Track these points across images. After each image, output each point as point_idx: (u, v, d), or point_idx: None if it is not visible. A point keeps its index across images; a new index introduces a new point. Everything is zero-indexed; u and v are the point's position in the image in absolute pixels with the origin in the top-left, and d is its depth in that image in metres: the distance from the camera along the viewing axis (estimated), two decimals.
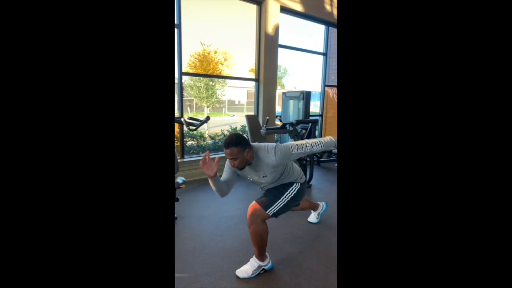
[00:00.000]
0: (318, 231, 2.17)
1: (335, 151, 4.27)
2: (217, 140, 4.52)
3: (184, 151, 3.62)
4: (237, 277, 1.60)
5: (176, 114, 3.50)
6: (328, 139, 1.63)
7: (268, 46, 3.98)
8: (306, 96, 3.66)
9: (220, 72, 4.07)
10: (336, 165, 4.39)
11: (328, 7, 4.67)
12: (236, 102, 13.94)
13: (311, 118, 3.65)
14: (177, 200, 2.48)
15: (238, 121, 4.10)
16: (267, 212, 1.58)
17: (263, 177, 1.57)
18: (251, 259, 1.64)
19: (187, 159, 3.57)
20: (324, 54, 5.06)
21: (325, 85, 5.20)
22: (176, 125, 3.40)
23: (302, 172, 1.78)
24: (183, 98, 3.56)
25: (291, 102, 3.90)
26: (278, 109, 4.62)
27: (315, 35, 5.06)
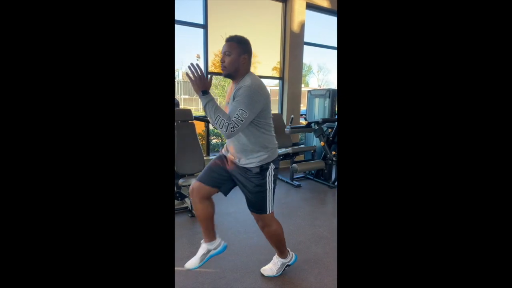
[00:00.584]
0: None
1: None
2: None
3: (209, 149, 3.69)
4: (262, 274, 1.60)
5: (202, 112, 3.58)
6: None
7: (293, 44, 3.93)
8: (332, 94, 3.57)
9: None
10: None
11: None
12: None
13: (337, 117, 3.56)
14: None
15: None
16: (267, 214, 1.40)
17: (230, 103, 1.27)
18: (274, 258, 1.61)
19: (212, 156, 3.64)
20: None
21: None
22: (202, 123, 3.47)
23: (275, 145, 1.39)
24: None
25: (317, 100, 3.82)
26: (303, 107, 4.55)
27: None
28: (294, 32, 3.91)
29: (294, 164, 3.18)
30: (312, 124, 3.33)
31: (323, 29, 4.76)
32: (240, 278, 1.57)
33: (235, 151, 1.34)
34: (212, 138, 4.41)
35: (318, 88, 5.67)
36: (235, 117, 1.15)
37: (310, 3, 3.98)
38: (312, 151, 3.66)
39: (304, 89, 4.49)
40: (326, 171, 3.39)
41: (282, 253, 1.56)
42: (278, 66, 4.14)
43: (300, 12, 3.89)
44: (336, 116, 3.59)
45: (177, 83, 7.10)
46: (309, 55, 4.65)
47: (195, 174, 2.44)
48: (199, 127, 3.49)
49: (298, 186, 3.25)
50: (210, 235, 1.47)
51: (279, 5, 3.89)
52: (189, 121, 2.60)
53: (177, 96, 6.54)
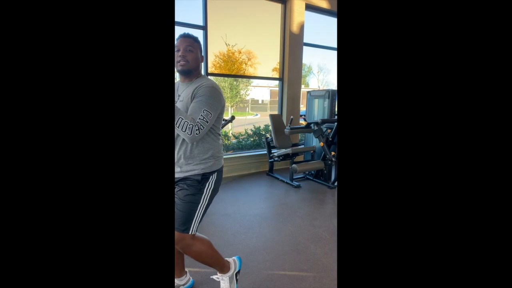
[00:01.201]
0: None
1: None
2: (241, 140, 4.57)
3: None
4: (262, 274, 1.61)
5: None
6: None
7: (292, 45, 3.94)
8: (331, 95, 3.58)
9: (244, 72, 4.10)
10: None
11: None
12: (260, 102, 13.97)
13: (336, 117, 3.57)
14: None
15: (261, 120, 4.11)
16: (189, 233, 1.19)
17: (180, 101, 1.20)
18: (218, 276, 1.39)
19: None
20: None
21: None
22: None
23: (222, 150, 1.29)
24: None
25: (316, 101, 3.83)
26: (302, 108, 4.57)
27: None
28: (294, 33, 3.92)
29: (293, 165, 3.18)
30: (312, 125, 3.34)
31: (322, 30, 4.77)
32: (239, 278, 1.58)
33: (181, 160, 1.19)
34: None
35: (318, 88, 5.68)
36: (200, 118, 1.08)
37: (309, 4, 3.99)
38: (311, 151, 3.67)
39: (304, 89, 4.50)
40: (325, 171, 3.40)
41: (222, 268, 1.36)
42: (278, 67, 4.16)
43: (299, 13, 3.90)
44: (336, 116, 3.60)
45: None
46: (309, 56, 4.67)
47: None
48: None
49: (298, 186, 3.26)
50: (180, 270, 1.44)
51: (279, 6, 3.91)
52: None
53: None
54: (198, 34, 3.35)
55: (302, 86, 4.30)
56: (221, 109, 1.19)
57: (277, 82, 4.20)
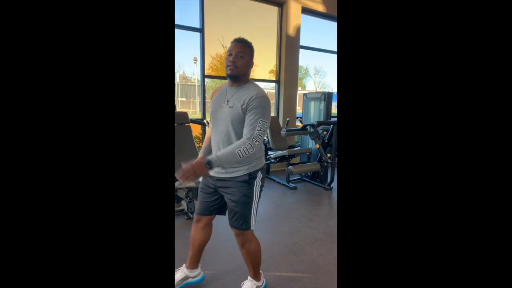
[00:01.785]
0: None
1: None
2: None
3: None
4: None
5: (199, 115, 3.61)
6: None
7: (289, 48, 3.97)
8: (327, 97, 3.61)
9: None
10: None
11: None
12: None
13: (332, 119, 3.60)
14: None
15: None
16: (250, 230, 1.33)
17: (230, 106, 1.23)
18: (247, 281, 1.44)
19: None
20: None
21: None
22: (199, 126, 3.49)
23: (263, 154, 1.36)
24: (206, 100, 3.65)
25: (312, 103, 3.86)
26: (299, 110, 4.60)
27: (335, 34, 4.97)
28: (290, 35, 3.95)
29: (290, 167, 3.20)
30: (308, 127, 3.37)
31: (318, 33, 4.82)
32: (236, 279, 1.58)
33: None
34: None
35: (315, 91, 5.71)
36: (257, 129, 1.16)
37: (305, 7, 4.03)
38: (308, 153, 3.69)
39: (301, 92, 4.53)
40: (321, 173, 3.42)
41: (256, 276, 1.43)
42: (275, 69, 4.18)
43: (295, 16, 3.94)
44: (332, 118, 3.63)
45: (175, 85, 7.11)
46: (306, 58, 4.70)
47: None
48: (196, 129, 3.50)
49: (294, 188, 3.28)
50: (194, 263, 1.50)
51: (275, 9, 3.94)
52: (186, 124, 2.62)
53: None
54: (195, 36, 3.37)
55: (299, 88, 4.32)
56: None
57: (274, 84, 4.23)
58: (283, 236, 2.12)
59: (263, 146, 1.41)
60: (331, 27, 4.66)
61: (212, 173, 1.28)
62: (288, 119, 3.58)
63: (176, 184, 2.36)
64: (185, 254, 1.76)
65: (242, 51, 1.21)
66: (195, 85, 5.00)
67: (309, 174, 3.62)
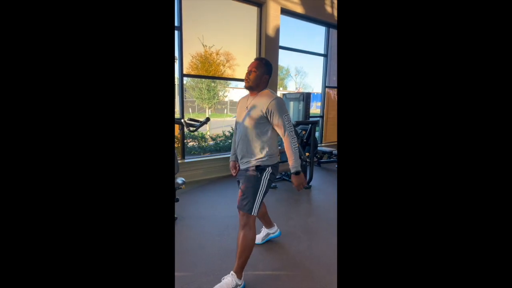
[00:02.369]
0: (317, 232, 2.18)
1: (335, 152, 4.28)
2: (218, 141, 4.54)
3: (185, 152, 3.65)
4: None
5: (177, 115, 3.54)
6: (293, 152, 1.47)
7: (268, 48, 4.00)
8: (306, 98, 3.67)
9: (222, 74, 4.09)
10: (337, 166, 4.40)
11: (328, 9, 4.69)
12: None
13: (311, 119, 3.66)
14: (177, 200, 2.50)
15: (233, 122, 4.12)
16: (252, 215, 1.48)
17: (249, 111, 1.49)
18: (228, 276, 1.50)
19: (188, 160, 3.60)
20: (325, 56, 5.07)
21: (325, 86, 5.21)
22: (177, 126, 3.43)
23: (277, 151, 1.58)
24: (184, 100, 3.59)
25: (292, 103, 3.91)
26: None
27: (316, 36, 5.08)
28: (269, 36, 3.98)
29: None
30: None
31: (297, 34, 4.89)
32: (212, 280, 1.57)
33: (243, 155, 1.54)
34: (188, 141, 4.35)
35: (294, 91, 5.80)
36: (286, 124, 1.45)
37: (284, 8, 4.07)
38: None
39: (283, 92, 4.57)
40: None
41: (239, 272, 1.50)
42: None
43: (274, 17, 3.97)
44: (310, 118, 3.69)
45: None
46: (287, 59, 4.75)
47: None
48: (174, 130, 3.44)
49: (274, 187, 3.30)
50: (269, 224, 1.96)
51: (255, 9, 3.95)
52: None
53: None
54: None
55: (280, 88, 4.35)
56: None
57: None
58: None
59: (277, 148, 1.58)
60: (310, 28, 4.75)
61: (238, 162, 1.62)
62: None
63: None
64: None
65: (255, 67, 1.49)
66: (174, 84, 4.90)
67: (289, 173, 3.66)
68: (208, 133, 5.60)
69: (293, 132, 1.47)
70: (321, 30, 5.00)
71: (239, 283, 1.49)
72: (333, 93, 5.51)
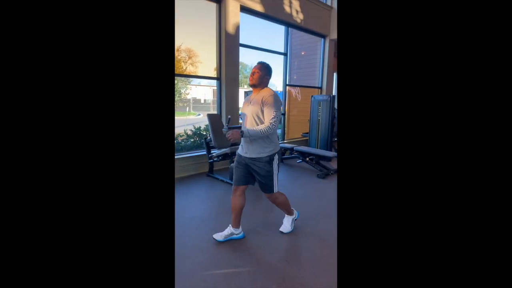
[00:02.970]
0: (276, 226, 2.25)
1: (296, 148, 4.43)
2: (180, 141, 4.41)
3: None
4: (197, 276, 1.60)
5: None
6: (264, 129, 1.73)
7: (229, 45, 3.98)
8: None
9: (183, 71, 3.97)
10: (298, 161, 4.56)
11: (287, 8, 4.80)
12: (202, 101, 13.70)
13: (337, 118, 3.72)
14: None
15: (203, 120, 4.05)
16: (274, 192, 1.95)
17: (252, 105, 1.82)
18: (284, 218, 2.22)
19: None
20: (285, 54, 5.19)
21: (286, 84, 5.35)
22: None
23: (277, 139, 1.95)
24: None
25: None
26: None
27: (276, 35, 5.18)
28: (230, 33, 3.96)
29: (232, 164, 3.23)
30: None
31: (258, 32, 4.93)
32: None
33: (251, 147, 1.83)
34: None
35: None
36: (272, 116, 1.72)
37: (244, 6, 4.08)
38: None
39: (245, 89, 4.58)
40: None
41: (290, 213, 2.18)
42: (216, 66, 4.14)
43: (234, 14, 3.96)
44: None
45: None
46: (251, 57, 4.76)
47: None
48: None
49: None
50: (237, 223, 2.04)
51: (213, 5, 3.89)
52: None
53: None
54: None
55: (245, 86, 4.36)
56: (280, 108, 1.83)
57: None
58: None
59: (277, 137, 1.93)
60: (270, 27, 4.82)
61: (242, 153, 1.90)
62: (229, 116, 3.58)
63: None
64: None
65: (259, 69, 1.83)
66: None
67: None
68: None
69: (276, 124, 1.74)
70: (281, 29, 5.11)
71: (293, 216, 2.22)
72: (294, 91, 5.69)
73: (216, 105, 4.29)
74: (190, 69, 3.95)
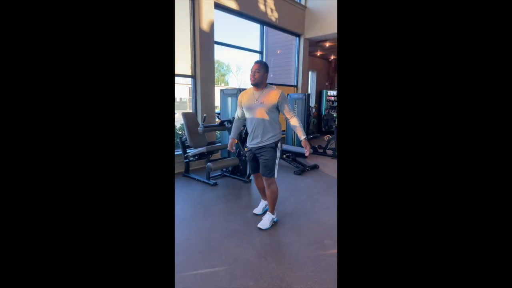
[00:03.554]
0: (255, 224, 2.25)
1: None
2: None
3: None
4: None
5: None
6: (297, 123, 2.08)
7: (203, 43, 3.91)
8: None
9: None
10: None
11: (262, 7, 4.81)
12: (177, 100, 13.37)
13: (337, 115, 3.72)
14: None
15: (178, 119, 3.96)
16: (273, 177, 2.13)
17: (260, 103, 2.03)
18: (266, 215, 2.26)
19: None
20: (260, 53, 5.21)
21: None
22: None
23: (280, 131, 2.19)
24: None
25: (229, 99, 3.92)
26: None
27: (251, 33, 5.17)
28: (204, 30, 3.89)
29: (208, 163, 3.18)
30: (225, 123, 3.41)
31: (234, 30, 4.90)
32: None
33: (261, 137, 2.08)
34: None
35: (233, 87, 5.83)
36: (291, 110, 2.10)
37: (218, 3, 4.02)
38: (227, 148, 3.73)
39: (221, 87, 4.52)
40: (241, 167, 3.52)
41: (272, 211, 2.24)
42: (191, 64, 4.05)
43: (208, 11, 3.89)
44: None
45: None
46: (227, 55, 4.70)
47: None
48: None
49: (215, 184, 3.28)
50: (266, 196, 2.30)
51: (187, 2, 3.80)
52: None
53: None
54: None
55: (222, 84, 4.30)
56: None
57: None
58: (201, 233, 2.10)
59: (280, 126, 2.14)
60: (245, 25, 4.80)
61: (252, 145, 2.14)
62: (205, 115, 3.53)
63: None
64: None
65: (258, 69, 2.01)
66: None
67: (229, 169, 3.68)
68: None
69: (296, 114, 2.10)
70: (256, 27, 5.11)
71: (273, 216, 2.25)
72: None
73: (192, 103, 4.20)
74: None
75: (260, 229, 2.16)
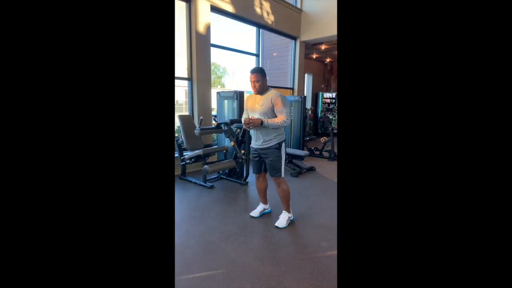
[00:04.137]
0: (252, 227, 2.25)
1: None
2: None
3: None
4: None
5: None
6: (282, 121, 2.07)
7: (200, 45, 3.91)
8: (239, 96, 3.73)
9: None
10: None
11: (258, 10, 4.84)
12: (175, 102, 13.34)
13: (337, 116, 3.72)
14: None
15: (176, 121, 3.93)
16: (281, 177, 2.20)
17: (261, 105, 2.11)
18: (282, 214, 2.30)
19: None
20: (257, 55, 5.23)
21: None
22: None
23: (284, 131, 2.28)
24: None
25: (226, 102, 3.92)
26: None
27: (248, 36, 5.19)
28: (200, 33, 3.90)
29: (205, 166, 3.18)
30: (222, 125, 3.41)
31: (230, 33, 4.91)
32: None
33: (263, 137, 2.16)
34: None
35: (229, 90, 5.84)
36: (284, 112, 2.07)
37: (214, 6, 4.04)
38: (224, 151, 3.73)
39: (217, 90, 4.53)
40: (238, 169, 3.52)
41: (288, 209, 2.30)
42: (187, 67, 4.05)
43: (205, 14, 3.90)
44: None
45: None
46: (224, 58, 4.71)
47: None
48: None
49: (211, 187, 3.27)
50: (265, 201, 2.48)
51: (183, 4, 3.81)
52: None
53: None
54: None
55: (218, 87, 4.31)
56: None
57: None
58: (198, 237, 2.09)
59: (283, 128, 2.20)
60: (242, 28, 4.82)
61: (256, 146, 2.22)
62: (201, 117, 3.53)
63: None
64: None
65: (256, 78, 2.09)
66: None
67: (226, 171, 3.67)
68: None
69: (288, 118, 2.08)
70: (252, 30, 5.13)
71: (290, 215, 2.31)
72: None
73: (188, 105, 4.19)
74: None
75: (277, 227, 2.23)
